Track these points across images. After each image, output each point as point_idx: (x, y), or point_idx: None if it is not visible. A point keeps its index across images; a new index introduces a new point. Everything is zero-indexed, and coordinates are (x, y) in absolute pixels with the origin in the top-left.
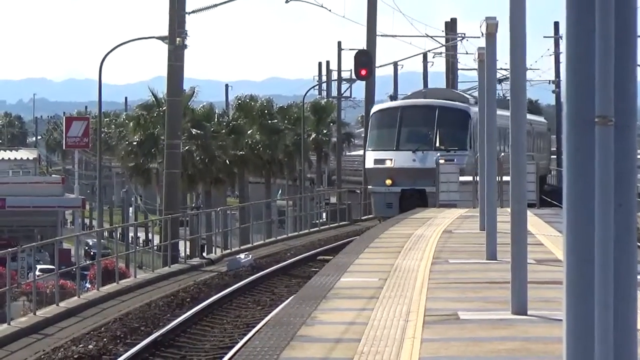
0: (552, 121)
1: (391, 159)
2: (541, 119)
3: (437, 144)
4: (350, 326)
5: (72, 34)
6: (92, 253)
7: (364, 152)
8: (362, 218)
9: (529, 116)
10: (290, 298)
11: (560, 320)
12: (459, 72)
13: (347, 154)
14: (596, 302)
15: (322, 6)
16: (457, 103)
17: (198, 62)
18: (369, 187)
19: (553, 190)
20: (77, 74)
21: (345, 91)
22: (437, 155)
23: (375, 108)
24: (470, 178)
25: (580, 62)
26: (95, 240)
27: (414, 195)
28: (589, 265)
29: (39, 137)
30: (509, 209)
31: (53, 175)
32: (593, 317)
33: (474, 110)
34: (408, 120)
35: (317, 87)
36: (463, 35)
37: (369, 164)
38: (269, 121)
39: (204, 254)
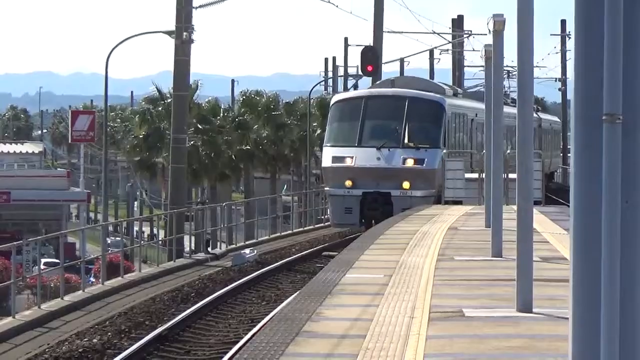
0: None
1: (352, 157)
2: (555, 118)
3: (406, 141)
4: (356, 322)
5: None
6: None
7: (322, 149)
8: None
9: (547, 116)
10: (296, 294)
11: (566, 318)
12: (465, 69)
13: None
14: (602, 300)
15: (329, 2)
16: (430, 94)
17: (204, 56)
18: (325, 188)
19: (559, 188)
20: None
21: (351, 87)
22: (409, 152)
23: (335, 98)
24: (475, 175)
25: (588, 59)
26: (115, 238)
27: (377, 200)
28: (596, 262)
29: (44, 131)
30: (514, 207)
31: (58, 169)
32: (599, 314)
33: (450, 102)
34: (373, 112)
35: (323, 82)
36: (470, 32)
37: (326, 162)
38: (275, 116)
39: (209, 249)
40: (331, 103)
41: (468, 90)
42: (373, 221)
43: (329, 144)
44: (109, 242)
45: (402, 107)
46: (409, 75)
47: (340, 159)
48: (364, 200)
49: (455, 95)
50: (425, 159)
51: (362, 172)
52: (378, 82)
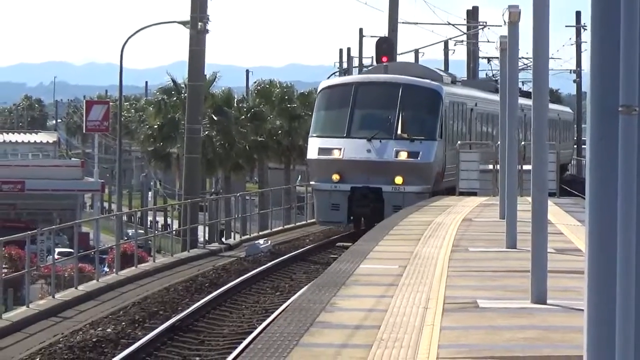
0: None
1: (340, 149)
2: (567, 109)
3: (399, 132)
4: (370, 313)
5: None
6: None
7: (308, 139)
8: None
9: (555, 106)
10: (310, 284)
11: (580, 309)
12: (480, 60)
13: None
14: (617, 292)
15: None
16: (426, 81)
17: (219, 47)
18: (311, 183)
19: (573, 180)
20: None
21: None
22: (403, 145)
23: (323, 84)
24: (490, 166)
25: (604, 51)
26: (134, 231)
27: (367, 196)
28: (612, 254)
29: (59, 121)
30: (528, 198)
31: (73, 159)
32: (614, 306)
33: (448, 90)
34: (363, 100)
35: (337, 73)
36: (485, 23)
37: (312, 154)
38: (289, 107)
39: (223, 239)
40: (318, 89)
41: (468, 80)
42: (362, 219)
43: (315, 135)
44: (130, 234)
45: (396, 94)
46: (404, 61)
47: (327, 150)
48: (352, 196)
49: (453, 82)
50: (420, 152)
51: (351, 165)
52: (370, 67)
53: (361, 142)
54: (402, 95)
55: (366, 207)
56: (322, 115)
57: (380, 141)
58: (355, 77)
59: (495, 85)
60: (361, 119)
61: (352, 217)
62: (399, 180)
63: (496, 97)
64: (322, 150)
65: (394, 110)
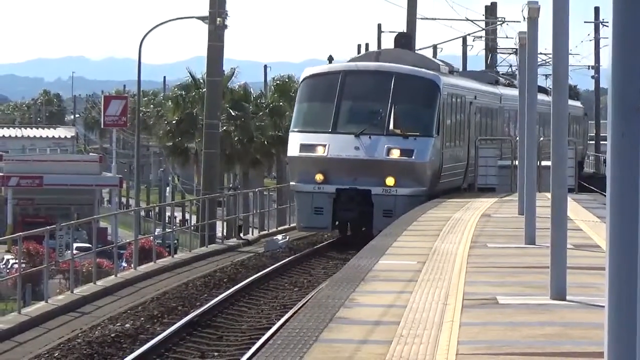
0: (591, 107)
1: (324, 145)
2: (577, 103)
3: (391, 127)
4: (389, 309)
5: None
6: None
7: (289, 134)
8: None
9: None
10: (328, 280)
11: (600, 306)
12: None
13: None
14: (639, 288)
15: None
16: (421, 70)
17: (237, 42)
18: (291, 183)
19: (590, 176)
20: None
21: None
22: (395, 141)
23: (306, 72)
24: (508, 162)
25: (625, 48)
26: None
27: (354, 199)
28: (632, 250)
29: (77, 116)
30: (547, 194)
31: (91, 154)
32: (635, 303)
33: (446, 81)
34: (351, 91)
35: None
36: (503, 19)
37: (293, 151)
38: None
39: (241, 235)
40: (301, 78)
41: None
42: (349, 225)
43: (296, 129)
44: (156, 232)
45: (388, 85)
46: (397, 48)
47: (310, 147)
48: (337, 198)
49: (451, 72)
50: (415, 150)
51: (337, 164)
52: (360, 55)
53: (348, 138)
54: (395, 85)
55: (353, 212)
56: (305, 107)
57: (370, 137)
58: (342, 64)
59: (495, 77)
60: (348, 112)
61: (337, 223)
62: (390, 181)
63: (496, 90)
64: (304, 147)
65: (385, 102)
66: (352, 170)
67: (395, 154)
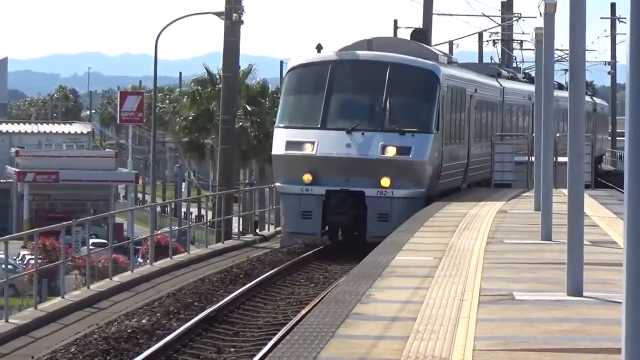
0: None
1: (313, 143)
2: (587, 98)
3: (387, 122)
4: (406, 305)
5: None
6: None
7: (274, 130)
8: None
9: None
10: (345, 276)
11: (617, 302)
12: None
13: None
14: None
15: None
16: (419, 59)
17: (253, 38)
18: (276, 184)
19: (608, 172)
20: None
21: None
22: (391, 138)
23: (292, 62)
24: (524, 158)
25: None
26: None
27: (345, 201)
28: None
29: (93, 111)
30: (563, 190)
31: (107, 150)
32: None
33: (446, 72)
34: (342, 83)
35: None
36: (519, 15)
37: (278, 148)
38: None
39: (257, 231)
40: (287, 69)
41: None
42: (340, 230)
43: (281, 125)
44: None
45: (382, 76)
46: (391, 36)
47: (297, 144)
48: (327, 201)
49: (450, 63)
50: (413, 148)
51: (326, 163)
52: (351, 44)
53: (339, 134)
54: (391, 77)
55: (345, 215)
56: (291, 101)
57: (363, 134)
58: (331, 54)
59: (498, 70)
60: (339, 106)
61: (327, 228)
62: (385, 182)
63: (497, 84)
64: (290, 145)
65: (380, 95)
66: (344, 170)
67: (391, 152)
